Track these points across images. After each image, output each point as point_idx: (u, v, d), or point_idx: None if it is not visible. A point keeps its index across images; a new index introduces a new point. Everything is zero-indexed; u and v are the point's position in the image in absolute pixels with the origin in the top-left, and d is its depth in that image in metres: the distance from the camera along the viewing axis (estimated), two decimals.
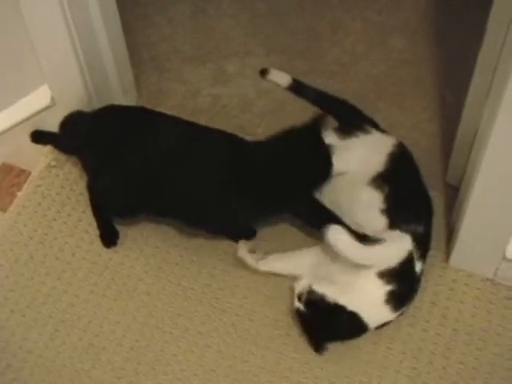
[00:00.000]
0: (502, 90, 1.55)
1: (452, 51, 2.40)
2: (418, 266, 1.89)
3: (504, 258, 1.90)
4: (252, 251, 2.01)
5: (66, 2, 1.90)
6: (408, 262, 1.86)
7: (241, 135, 2.11)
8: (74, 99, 2.13)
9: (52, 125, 2.21)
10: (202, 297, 2.00)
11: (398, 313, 1.89)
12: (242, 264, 2.01)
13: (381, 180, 1.95)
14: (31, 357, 1.93)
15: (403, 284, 1.86)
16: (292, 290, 1.91)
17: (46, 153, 2.25)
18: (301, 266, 1.95)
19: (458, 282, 1.98)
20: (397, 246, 1.86)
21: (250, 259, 2.00)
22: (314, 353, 1.90)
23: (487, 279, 1.98)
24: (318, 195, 1.98)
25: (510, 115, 1.58)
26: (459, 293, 1.97)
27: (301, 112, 2.29)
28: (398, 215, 1.91)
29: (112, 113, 2.06)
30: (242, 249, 2.01)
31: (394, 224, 1.89)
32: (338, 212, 1.93)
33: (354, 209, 1.94)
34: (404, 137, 2.11)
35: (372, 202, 1.93)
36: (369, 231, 1.87)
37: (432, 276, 1.99)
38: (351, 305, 1.82)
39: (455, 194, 2.05)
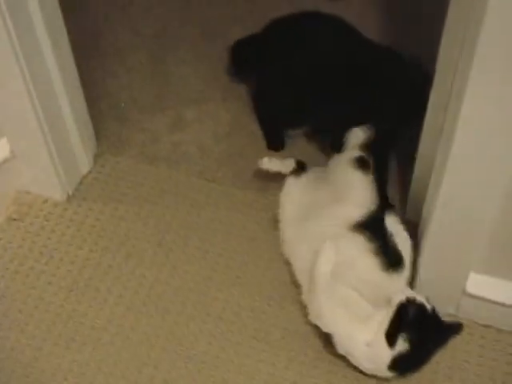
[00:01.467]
0: (454, 127, 1.58)
1: None
2: None
3: (464, 293, 1.92)
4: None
5: (23, 56, 1.90)
6: None
7: (200, 181, 2.22)
8: (34, 151, 2.13)
9: (13, 177, 2.21)
10: (167, 344, 1.99)
11: None
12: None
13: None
14: None
15: None
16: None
17: (7, 205, 2.24)
18: None
19: None
20: None
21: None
22: None
23: (449, 315, 1.98)
24: None
25: (463, 152, 1.60)
26: None
27: (259, 155, 2.31)
28: None
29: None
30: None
31: None
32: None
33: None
34: None
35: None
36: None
37: None
38: None
39: (416, 230, 2.07)
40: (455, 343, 1.95)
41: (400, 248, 1.92)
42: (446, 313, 1.98)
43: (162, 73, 2.57)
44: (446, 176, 1.67)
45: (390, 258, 1.90)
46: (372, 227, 1.93)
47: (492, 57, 1.42)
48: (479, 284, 1.90)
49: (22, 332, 2.02)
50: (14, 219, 2.22)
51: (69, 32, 2.07)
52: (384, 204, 1.99)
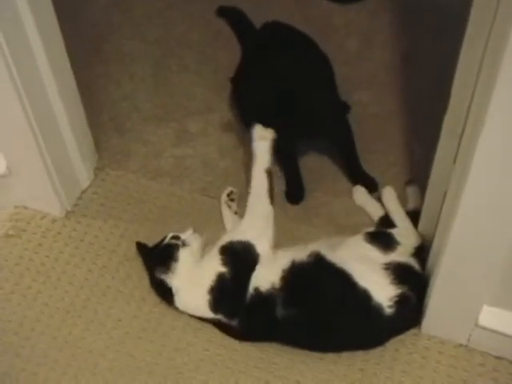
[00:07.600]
0: (470, 156, 1.51)
1: (419, 104, 2.36)
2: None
3: (477, 325, 1.85)
4: (232, 200, 2.18)
5: (15, 69, 1.84)
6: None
7: (204, 198, 2.19)
8: (30, 168, 2.07)
9: (10, 192, 2.15)
10: (167, 372, 1.92)
11: (216, 315, 1.93)
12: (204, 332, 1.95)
13: None
14: None
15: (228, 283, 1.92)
16: None
17: (3, 221, 2.18)
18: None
19: (431, 349, 1.92)
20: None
21: (224, 196, 2.18)
22: None
23: (460, 345, 1.92)
24: None
25: (477, 186, 1.54)
26: (432, 361, 1.91)
27: None
28: None
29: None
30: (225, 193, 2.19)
31: None
32: None
33: None
34: None
35: None
36: None
37: (404, 344, 1.93)
38: None
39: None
40: (466, 375, 1.88)
41: None
42: (457, 343, 1.91)
43: (166, 81, 2.50)
44: (460, 209, 1.60)
45: None
46: None
47: None
48: (492, 317, 1.83)
49: (17, 356, 1.96)
50: (11, 236, 2.16)
51: (69, 39, 2.01)
52: None
